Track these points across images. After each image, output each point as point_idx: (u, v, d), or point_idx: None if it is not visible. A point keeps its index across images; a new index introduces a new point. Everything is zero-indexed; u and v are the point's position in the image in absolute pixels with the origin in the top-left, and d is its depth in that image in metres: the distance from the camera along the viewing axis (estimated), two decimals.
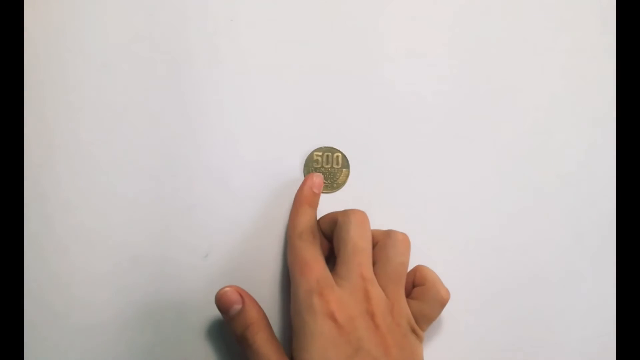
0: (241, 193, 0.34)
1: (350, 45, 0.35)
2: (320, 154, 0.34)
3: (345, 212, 0.31)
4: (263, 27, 0.35)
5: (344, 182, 0.34)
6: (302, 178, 0.34)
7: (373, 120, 0.35)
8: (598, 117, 0.36)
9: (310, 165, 0.34)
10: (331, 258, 0.32)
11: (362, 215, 0.30)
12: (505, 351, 0.34)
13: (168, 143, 0.34)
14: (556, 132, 0.35)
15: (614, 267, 0.34)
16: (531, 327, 0.34)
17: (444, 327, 0.34)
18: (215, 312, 0.32)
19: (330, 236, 0.31)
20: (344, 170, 0.34)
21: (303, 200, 0.32)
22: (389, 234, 0.31)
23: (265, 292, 0.33)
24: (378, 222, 0.33)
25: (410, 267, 0.31)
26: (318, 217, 0.33)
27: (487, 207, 0.35)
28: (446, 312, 0.33)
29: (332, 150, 0.34)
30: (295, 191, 0.33)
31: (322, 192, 0.34)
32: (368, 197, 0.34)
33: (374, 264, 0.30)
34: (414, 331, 0.29)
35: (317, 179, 0.32)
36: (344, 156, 0.34)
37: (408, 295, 0.31)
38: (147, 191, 0.34)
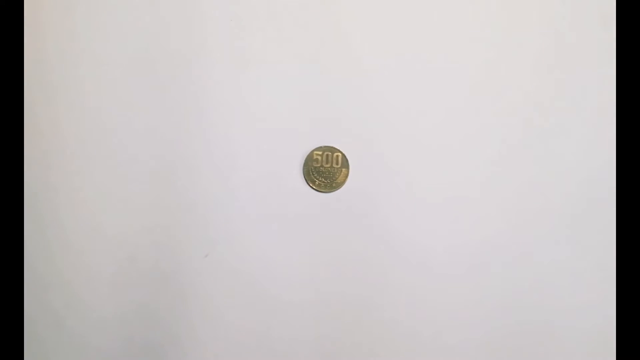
0: (241, 192, 0.34)
1: (351, 45, 0.35)
2: (320, 153, 0.34)
3: None
4: (263, 27, 0.35)
5: (343, 182, 0.34)
6: (302, 177, 0.34)
7: (373, 120, 0.35)
8: (598, 117, 0.36)
9: (310, 165, 0.34)
10: None
11: None
12: (505, 351, 0.34)
13: (168, 142, 0.34)
14: (556, 132, 0.35)
15: (614, 267, 0.34)
16: (531, 327, 0.34)
17: (444, 327, 0.34)
18: (215, 312, 0.32)
19: None
20: (343, 170, 0.34)
21: None
22: None
23: (265, 292, 0.33)
24: (377, 223, 0.33)
25: (409, 267, 0.31)
26: (317, 217, 0.33)
27: (487, 207, 0.35)
28: (446, 313, 0.33)
29: (332, 150, 0.34)
30: (295, 190, 0.33)
31: (322, 192, 0.34)
32: (367, 197, 0.34)
33: None
34: None
35: None
36: (343, 156, 0.34)
37: None
38: (147, 191, 0.34)
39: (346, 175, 0.34)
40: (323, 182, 0.34)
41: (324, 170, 0.34)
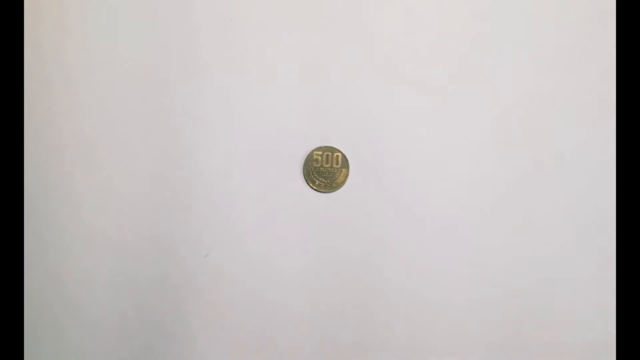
0: (241, 193, 0.34)
1: (351, 44, 0.35)
2: (320, 153, 0.34)
3: None
4: (263, 26, 0.35)
5: (343, 182, 0.34)
6: (302, 177, 0.34)
7: (373, 120, 0.35)
8: (598, 117, 0.35)
9: (310, 165, 0.34)
10: None
11: None
12: (505, 351, 0.34)
13: (168, 142, 0.34)
14: (556, 133, 0.35)
15: (614, 267, 0.34)
16: (531, 327, 0.34)
17: (445, 327, 0.34)
18: (215, 312, 0.32)
19: None
20: (343, 170, 0.34)
21: None
22: None
23: (265, 292, 0.33)
24: (377, 223, 0.33)
25: (409, 267, 0.31)
26: (317, 217, 0.33)
27: (487, 207, 0.35)
28: (447, 313, 0.33)
29: (332, 150, 0.34)
30: (295, 190, 0.33)
31: (322, 192, 0.34)
32: (367, 197, 0.34)
33: None
34: None
35: None
36: (343, 156, 0.34)
37: None
38: (147, 191, 0.34)
39: (346, 175, 0.34)
40: (323, 182, 0.34)
41: (324, 170, 0.34)
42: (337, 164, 0.34)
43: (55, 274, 0.33)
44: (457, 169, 0.35)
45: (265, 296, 0.33)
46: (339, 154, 0.34)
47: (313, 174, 0.34)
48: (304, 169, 0.34)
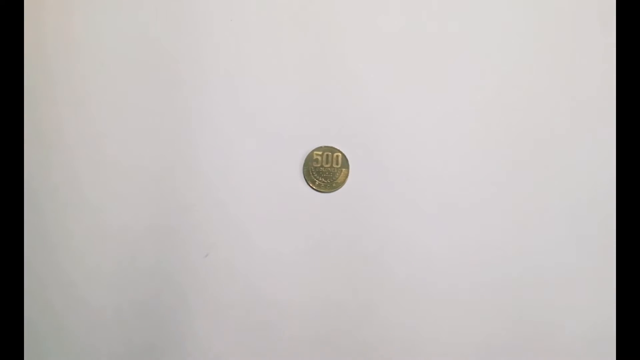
0: (241, 192, 0.34)
1: (351, 44, 0.35)
2: (320, 153, 0.34)
3: None
4: (263, 26, 0.35)
5: (343, 182, 0.34)
6: (302, 177, 0.34)
7: (373, 120, 0.35)
8: (598, 117, 0.35)
9: (310, 165, 0.34)
10: None
11: None
12: (505, 351, 0.34)
13: (168, 142, 0.34)
14: (556, 132, 0.35)
15: (614, 267, 0.34)
16: (531, 327, 0.34)
17: (445, 327, 0.34)
18: (214, 312, 0.32)
19: None
20: (343, 170, 0.34)
21: None
22: None
23: (265, 292, 0.33)
24: (377, 223, 0.33)
25: (410, 267, 0.31)
26: (317, 217, 0.33)
27: (487, 207, 0.35)
28: (447, 313, 0.33)
29: (332, 150, 0.34)
30: (295, 190, 0.33)
31: (322, 192, 0.34)
32: (367, 197, 0.34)
33: None
34: None
35: None
36: (343, 156, 0.34)
37: None
38: (147, 191, 0.34)
39: (346, 175, 0.34)
40: (323, 182, 0.34)
41: (324, 170, 0.34)
42: (337, 164, 0.34)
43: (57, 272, 0.33)
44: (458, 168, 0.35)
45: (265, 296, 0.33)
46: (339, 154, 0.34)
47: (313, 174, 0.34)
48: (304, 169, 0.34)
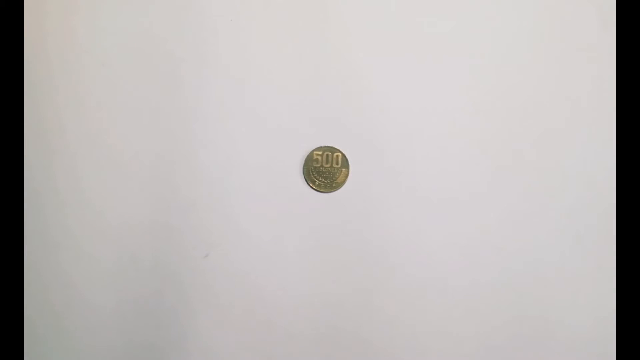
0: (241, 192, 0.34)
1: (351, 44, 0.35)
2: (320, 153, 0.34)
3: None
4: (263, 26, 0.35)
5: (343, 182, 0.34)
6: (302, 177, 0.34)
7: (373, 120, 0.35)
8: (598, 117, 0.35)
9: (310, 165, 0.34)
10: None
11: None
12: (505, 351, 0.34)
13: (168, 142, 0.34)
14: (556, 132, 0.35)
15: (614, 267, 0.34)
16: (531, 327, 0.34)
17: (445, 328, 0.34)
18: (214, 312, 0.32)
19: None
20: (343, 170, 0.34)
21: None
22: None
23: (265, 292, 0.33)
24: (377, 223, 0.33)
25: (410, 267, 0.31)
26: (317, 217, 0.33)
27: (487, 207, 0.35)
28: (446, 313, 0.33)
29: (332, 149, 0.34)
30: (295, 190, 0.33)
31: (322, 192, 0.34)
32: (367, 197, 0.34)
33: None
34: None
35: None
36: (343, 156, 0.34)
37: None
38: (148, 191, 0.34)
39: (346, 175, 0.34)
40: (323, 182, 0.34)
41: (324, 170, 0.34)
42: (337, 164, 0.34)
43: (57, 272, 0.33)
44: (458, 167, 0.35)
45: (265, 296, 0.33)
46: (339, 154, 0.34)
47: (313, 174, 0.34)
48: (304, 169, 0.34)
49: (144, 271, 0.33)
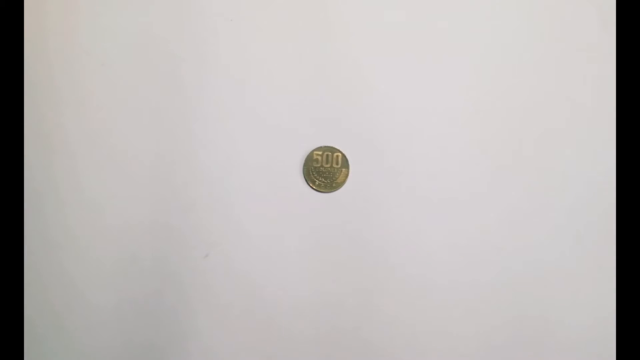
0: (241, 192, 0.34)
1: (351, 44, 0.35)
2: (320, 153, 0.34)
3: None
4: (263, 26, 0.35)
5: (343, 182, 0.34)
6: (302, 177, 0.34)
7: (373, 120, 0.35)
8: (598, 117, 0.35)
9: (310, 165, 0.34)
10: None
11: None
12: (505, 351, 0.34)
13: (168, 142, 0.34)
14: (556, 132, 0.35)
15: (614, 267, 0.34)
16: (531, 327, 0.34)
17: (445, 328, 0.34)
18: (214, 312, 0.32)
19: None
20: (343, 170, 0.34)
21: None
22: None
23: (265, 292, 0.33)
24: (377, 223, 0.33)
25: (410, 267, 0.31)
26: (317, 217, 0.33)
27: (487, 207, 0.35)
28: (446, 313, 0.33)
29: (332, 150, 0.34)
30: (295, 190, 0.33)
31: (322, 192, 0.34)
32: (367, 197, 0.34)
33: None
34: None
35: None
36: (343, 156, 0.34)
37: None
38: (148, 191, 0.34)
39: (346, 175, 0.34)
40: (323, 182, 0.34)
41: (324, 170, 0.34)
42: (337, 164, 0.34)
43: (58, 272, 0.33)
44: (458, 167, 0.35)
45: (265, 296, 0.33)
46: (339, 154, 0.34)
47: (313, 174, 0.34)
48: (304, 169, 0.34)
49: (144, 271, 0.33)
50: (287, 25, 0.35)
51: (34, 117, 0.34)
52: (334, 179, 0.34)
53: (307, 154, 0.34)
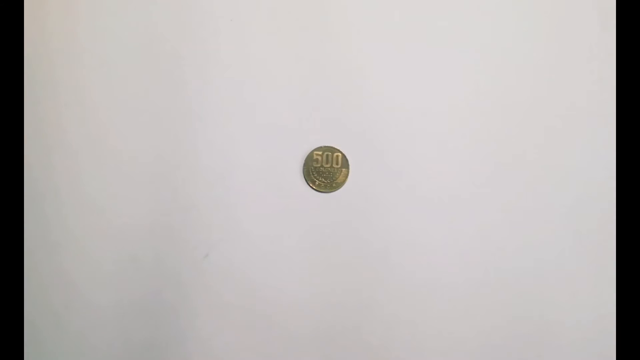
0: (241, 192, 0.34)
1: (351, 44, 0.35)
2: (320, 153, 0.34)
3: None
4: (263, 26, 0.35)
5: (343, 182, 0.34)
6: (302, 177, 0.34)
7: (373, 120, 0.35)
8: (598, 117, 0.36)
9: (310, 165, 0.34)
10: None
11: None
12: (505, 351, 0.34)
13: (168, 142, 0.34)
14: (556, 132, 0.35)
15: (614, 266, 0.34)
16: (531, 327, 0.34)
17: (444, 328, 0.34)
18: (214, 312, 0.32)
19: None
20: (343, 170, 0.34)
21: None
22: None
23: (265, 292, 0.33)
24: (377, 223, 0.33)
25: (410, 267, 0.31)
26: (317, 217, 0.33)
27: (487, 207, 0.35)
28: (446, 313, 0.33)
29: (332, 150, 0.34)
30: (295, 190, 0.33)
31: (322, 192, 0.34)
32: (367, 197, 0.34)
33: None
34: None
35: None
36: (343, 156, 0.34)
37: None
38: (147, 191, 0.34)
39: (346, 175, 0.34)
40: (323, 182, 0.34)
41: (324, 170, 0.34)
42: (337, 164, 0.34)
43: (58, 272, 0.33)
44: (458, 167, 0.35)
45: (265, 296, 0.33)
46: (339, 154, 0.34)
47: (313, 174, 0.34)
48: (304, 169, 0.34)
49: (144, 271, 0.33)
50: (288, 26, 0.35)
51: (34, 117, 0.34)
52: (334, 179, 0.34)
53: (307, 154, 0.34)
